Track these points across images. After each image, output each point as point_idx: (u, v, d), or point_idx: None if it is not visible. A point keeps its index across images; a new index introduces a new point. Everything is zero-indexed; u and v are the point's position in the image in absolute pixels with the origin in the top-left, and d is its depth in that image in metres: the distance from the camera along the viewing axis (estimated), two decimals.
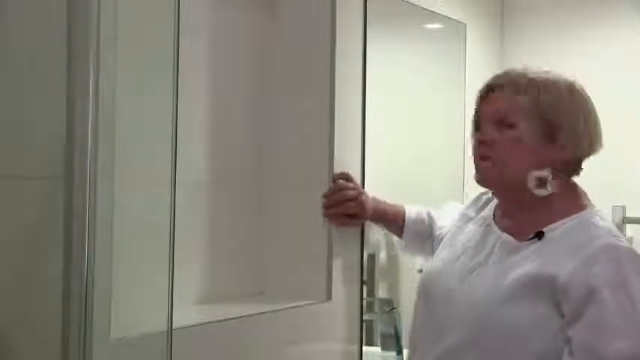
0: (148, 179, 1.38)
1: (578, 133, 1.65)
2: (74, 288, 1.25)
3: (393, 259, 2.76)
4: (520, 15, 3.36)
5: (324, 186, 1.92)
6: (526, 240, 1.63)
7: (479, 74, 3.07)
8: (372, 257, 2.71)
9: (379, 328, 2.61)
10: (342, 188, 1.91)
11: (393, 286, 2.87)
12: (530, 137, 1.63)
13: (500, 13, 3.40)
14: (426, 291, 1.75)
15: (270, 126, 2.00)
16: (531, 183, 1.64)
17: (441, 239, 1.86)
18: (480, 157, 1.68)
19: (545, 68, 1.71)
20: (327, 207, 1.92)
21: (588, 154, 1.68)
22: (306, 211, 1.94)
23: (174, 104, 1.35)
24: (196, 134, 1.86)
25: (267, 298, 1.97)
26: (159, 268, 1.35)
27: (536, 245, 1.61)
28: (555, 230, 1.62)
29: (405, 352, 2.42)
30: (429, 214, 1.97)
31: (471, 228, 1.77)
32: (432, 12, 2.94)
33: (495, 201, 1.77)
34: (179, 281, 1.36)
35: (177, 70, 1.35)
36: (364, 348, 2.03)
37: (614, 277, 1.53)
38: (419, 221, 1.96)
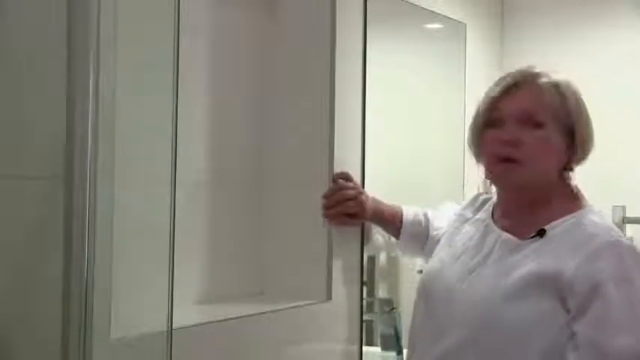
0: (148, 179, 1.38)
1: (587, 135, 1.68)
2: (74, 288, 1.25)
3: (393, 260, 2.76)
4: (520, 15, 3.36)
5: (324, 186, 1.92)
6: (527, 238, 1.63)
7: (479, 74, 3.08)
8: (372, 258, 2.71)
9: (379, 328, 2.61)
10: (342, 188, 1.91)
11: (393, 286, 2.87)
12: (557, 138, 1.65)
13: (500, 13, 3.40)
14: (426, 291, 1.75)
15: (270, 126, 2.00)
16: (572, 187, 1.68)
17: (438, 240, 1.87)
18: (504, 159, 1.65)
19: (550, 68, 1.71)
20: (327, 207, 1.92)
21: (588, 154, 1.70)
22: (306, 211, 1.94)
23: (174, 104, 1.35)
24: (196, 134, 1.86)
25: (267, 298, 1.97)
26: (159, 268, 1.35)
27: (538, 243, 1.62)
28: (556, 228, 1.63)
29: (405, 352, 2.42)
30: (425, 215, 1.97)
31: (469, 228, 1.78)
32: (432, 12, 2.94)
33: (493, 201, 1.78)
34: (179, 281, 1.36)
35: (177, 70, 1.35)
36: (364, 348, 2.03)
37: (617, 272, 1.55)
38: (416, 222, 1.96)
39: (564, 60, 3.08)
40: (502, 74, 1.77)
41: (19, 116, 1.34)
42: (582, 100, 1.69)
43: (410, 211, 1.98)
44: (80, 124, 1.26)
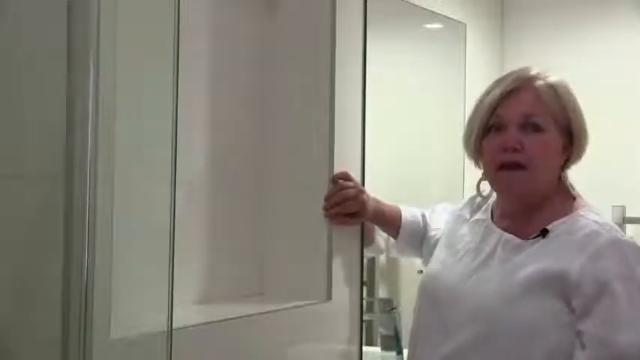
0: (148, 179, 1.38)
1: (583, 133, 1.69)
2: (74, 288, 1.25)
3: (393, 260, 2.76)
4: (520, 15, 3.36)
5: (324, 186, 1.92)
6: (530, 238, 1.64)
7: (479, 74, 3.08)
8: (373, 258, 2.72)
9: (379, 328, 2.61)
10: (342, 188, 1.91)
11: (393, 286, 2.88)
12: (558, 140, 1.66)
13: (500, 13, 3.40)
14: (429, 292, 1.75)
15: (270, 126, 2.00)
16: (568, 186, 1.69)
17: (436, 241, 1.87)
18: (508, 165, 1.65)
19: (545, 67, 1.72)
20: (327, 207, 1.91)
21: (584, 152, 1.71)
22: (306, 211, 1.94)
23: (174, 104, 1.35)
24: (196, 134, 1.86)
25: (267, 298, 1.96)
26: (159, 268, 1.35)
27: (540, 243, 1.62)
28: (558, 228, 1.63)
29: (406, 352, 2.42)
30: (423, 216, 1.97)
31: (469, 229, 1.78)
32: (432, 12, 2.95)
33: (491, 202, 1.78)
34: (179, 281, 1.36)
35: (177, 70, 1.35)
36: (364, 348, 2.03)
37: (622, 269, 1.56)
38: (414, 223, 1.96)
39: (564, 60, 3.09)
40: (502, 74, 1.77)
41: (19, 116, 1.34)
42: (576, 99, 1.70)
43: (408, 212, 1.98)
44: (80, 124, 1.26)
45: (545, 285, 1.57)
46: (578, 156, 1.70)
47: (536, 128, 1.64)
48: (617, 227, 1.68)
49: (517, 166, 1.64)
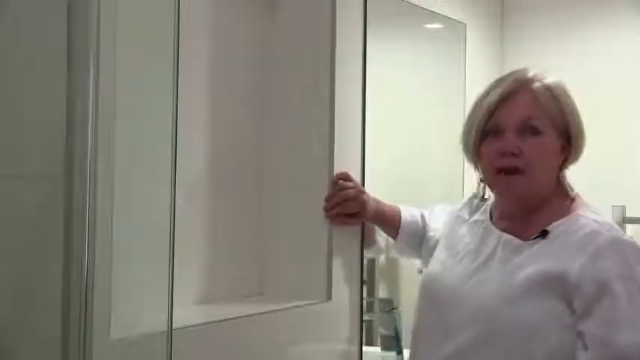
0: (148, 179, 1.38)
1: (580, 133, 1.69)
2: (74, 288, 1.25)
3: (392, 260, 2.76)
4: (520, 15, 3.36)
5: (324, 186, 1.92)
6: (529, 239, 1.64)
7: (479, 74, 3.08)
8: (373, 258, 2.71)
9: (379, 328, 2.61)
10: (343, 188, 1.91)
11: (393, 286, 2.88)
12: (556, 142, 1.66)
13: (500, 13, 3.40)
14: (429, 293, 1.75)
15: (270, 126, 2.00)
16: (566, 186, 1.69)
17: (436, 242, 1.87)
18: (508, 170, 1.65)
19: (543, 68, 1.72)
20: (328, 208, 1.91)
21: (582, 152, 1.71)
22: (306, 211, 1.94)
23: (174, 104, 1.35)
24: (196, 134, 1.86)
25: (267, 298, 1.96)
26: (159, 268, 1.35)
27: (540, 244, 1.63)
28: (557, 228, 1.63)
29: (406, 352, 2.42)
30: (422, 216, 1.97)
31: (468, 230, 1.78)
32: (432, 12, 2.95)
33: (489, 203, 1.78)
34: (179, 281, 1.36)
35: (177, 70, 1.35)
36: (364, 348, 2.03)
37: (622, 269, 1.56)
38: (414, 224, 1.96)
39: (564, 60, 3.09)
40: (502, 74, 1.77)
41: (19, 116, 1.34)
42: (574, 101, 1.70)
43: (408, 212, 1.98)
44: (80, 124, 1.26)
45: (545, 286, 1.57)
46: (576, 156, 1.70)
47: (534, 131, 1.64)
48: (616, 226, 1.69)
49: (516, 171, 1.64)
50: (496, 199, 1.77)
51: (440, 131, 2.97)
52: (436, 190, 2.92)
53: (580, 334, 1.54)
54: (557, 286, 1.56)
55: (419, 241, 1.95)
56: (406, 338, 2.37)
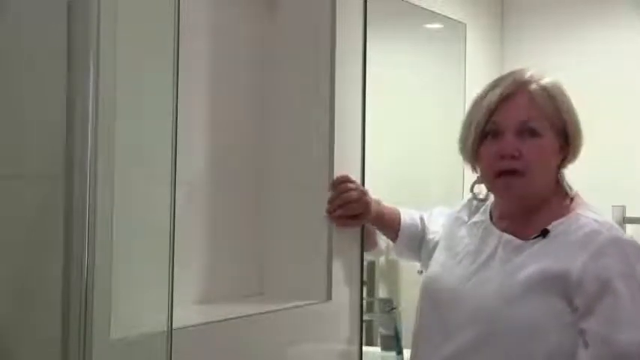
0: (148, 179, 1.38)
1: (578, 133, 1.70)
2: (74, 288, 1.25)
3: (392, 260, 2.76)
4: (520, 15, 3.36)
5: (324, 186, 1.92)
6: (530, 239, 1.64)
7: (479, 74, 3.08)
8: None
9: (379, 328, 2.61)
10: (345, 190, 1.91)
11: (393, 286, 2.88)
12: (554, 143, 1.66)
13: (500, 12, 3.40)
14: (430, 294, 1.75)
15: (270, 126, 2.00)
16: (565, 186, 1.70)
17: (435, 244, 1.87)
18: (507, 172, 1.65)
19: (541, 68, 1.72)
20: (331, 210, 1.91)
21: (580, 151, 1.72)
22: (306, 211, 1.94)
23: (174, 104, 1.35)
24: (196, 134, 1.86)
25: (267, 298, 1.96)
26: (159, 268, 1.35)
27: (541, 243, 1.63)
28: (558, 227, 1.64)
29: (406, 352, 2.42)
30: (421, 219, 1.97)
31: (468, 231, 1.78)
32: (432, 12, 2.95)
33: (489, 204, 1.78)
34: (179, 281, 1.36)
35: (177, 70, 1.35)
36: (364, 348, 2.03)
37: (623, 268, 1.57)
38: (413, 226, 1.96)
39: (564, 60, 3.09)
40: (502, 74, 1.77)
41: (19, 116, 1.34)
42: (571, 101, 1.71)
43: (407, 215, 1.98)
44: (80, 124, 1.26)
45: (546, 285, 1.57)
46: (574, 155, 1.71)
47: (533, 133, 1.65)
48: (616, 225, 1.69)
49: (515, 173, 1.65)
50: (496, 200, 1.77)
51: (440, 131, 2.97)
52: (436, 191, 2.92)
53: (581, 332, 1.55)
54: (558, 284, 1.56)
55: (418, 243, 1.95)
56: (406, 338, 2.37)
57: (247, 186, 1.99)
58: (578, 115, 1.70)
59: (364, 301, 2.11)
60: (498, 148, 1.65)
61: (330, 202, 1.90)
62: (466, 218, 1.81)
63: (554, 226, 1.64)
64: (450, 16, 3.05)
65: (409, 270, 2.61)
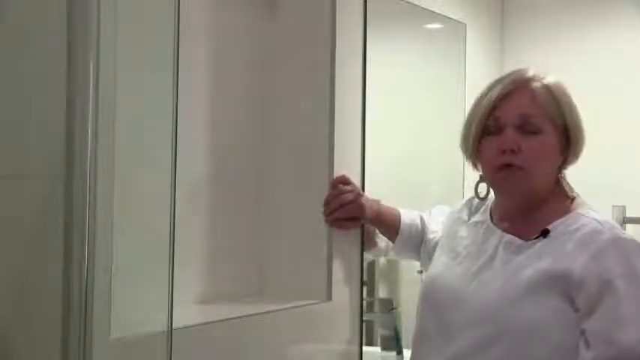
0: (148, 179, 1.38)
1: (580, 134, 1.70)
2: (74, 288, 1.25)
3: (392, 260, 2.76)
4: (520, 15, 3.36)
5: (324, 186, 1.92)
6: (531, 239, 1.64)
7: (479, 74, 3.08)
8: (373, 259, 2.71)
9: (379, 328, 2.61)
10: (340, 193, 1.90)
11: (393, 286, 2.88)
12: (555, 141, 1.66)
13: (500, 12, 3.40)
14: (431, 295, 1.75)
15: (270, 126, 2.00)
16: (564, 186, 1.69)
17: (435, 243, 1.87)
18: (507, 166, 1.66)
19: (544, 69, 1.72)
20: (326, 213, 1.91)
21: (581, 153, 1.71)
22: (306, 211, 1.94)
23: (174, 104, 1.35)
24: (196, 134, 1.86)
25: (267, 298, 1.96)
26: (159, 268, 1.35)
27: (542, 243, 1.63)
28: (558, 227, 1.64)
29: (406, 352, 2.42)
30: (421, 219, 1.97)
31: (468, 231, 1.78)
32: (432, 12, 2.95)
33: (489, 204, 1.78)
34: (179, 281, 1.36)
35: (178, 70, 1.35)
36: (364, 348, 2.03)
37: (624, 267, 1.57)
38: (413, 226, 1.96)
39: (564, 60, 3.09)
40: (502, 74, 1.77)
41: (19, 116, 1.34)
42: (573, 101, 1.71)
43: (407, 215, 1.98)
44: (80, 124, 1.26)
45: (548, 285, 1.57)
46: (576, 156, 1.71)
47: (533, 130, 1.65)
48: (617, 225, 1.69)
49: (514, 167, 1.65)
50: (496, 200, 1.77)
51: (440, 131, 2.97)
52: (436, 190, 2.92)
53: (583, 333, 1.55)
54: (559, 284, 1.57)
55: (418, 243, 1.95)
56: (406, 338, 2.37)
57: (247, 186, 1.99)
58: (580, 116, 1.70)
59: (364, 301, 2.10)
60: (498, 143, 1.66)
61: (326, 204, 1.90)
62: (466, 218, 1.81)
63: (555, 226, 1.64)
64: (450, 16, 3.05)
65: (409, 270, 2.62)
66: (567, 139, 1.68)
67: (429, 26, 3.10)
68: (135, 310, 1.34)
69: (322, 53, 1.94)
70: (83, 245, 1.25)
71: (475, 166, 1.75)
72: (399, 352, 2.52)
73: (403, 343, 2.50)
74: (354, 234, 1.98)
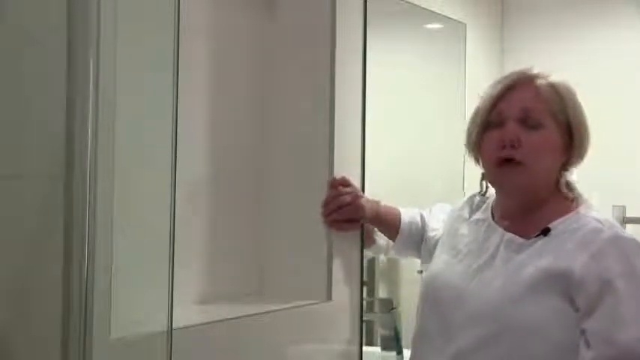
0: (148, 179, 1.38)
1: (585, 135, 1.70)
2: (74, 288, 1.25)
3: (393, 260, 2.76)
4: (520, 15, 3.37)
5: (324, 186, 1.92)
6: (532, 237, 1.64)
7: (479, 74, 3.09)
8: (373, 258, 2.71)
9: (379, 328, 2.61)
10: (339, 194, 1.90)
11: (393, 286, 2.88)
12: (556, 138, 1.66)
13: (500, 12, 3.40)
14: (432, 293, 1.75)
15: (270, 126, 2.00)
16: (563, 186, 1.68)
17: (436, 242, 1.87)
18: (505, 160, 1.66)
19: (548, 69, 1.72)
20: (325, 214, 1.91)
21: (586, 154, 1.71)
22: (306, 211, 1.94)
23: (174, 104, 1.35)
24: (196, 134, 1.86)
25: (267, 298, 1.96)
26: (159, 268, 1.35)
27: (543, 242, 1.63)
28: (559, 226, 1.64)
29: (406, 352, 2.42)
30: (421, 217, 1.97)
31: (469, 229, 1.78)
32: (432, 12, 2.95)
33: (490, 202, 1.78)
34: (179, 281, 1.36)
35: (178, 70, 1.35)
36: (364, 348, 2.03)
37: (624, 267, 1.57)
38: (413, 225, 1.96)
39: (564, 60, 3.09)
40: (502, 74, 1.78)
41: (19, 116, 1.34)
42: (579, 101, 1.71)
43: (407, 214, 1.98)
44: (80, 124, 1.26)
45: (549, 283, 1.57)
46: (580, 157, 1.70)
47: (535, 124, 1.65)
48: (618, 224, 1.69)
49: (515, 162, 1.65)
50: (497, 198, 1.77)
51: (440, 131, 2.97)
52: (436, 190, 2.92)
53: (583, 332, 1.55)
54: (560, 283, 1.57)
55: (418, 241, 1.95)
56: (406, 338, 2.37)
57: (247, 186, 1.99)
58: (585, 116, 1.70)
59: (364, 301, 2.10)
60: (499, 136, 1.66)
61: (324, 206, 1.90)
62: (467, 215, 1.81)
63: (556, 225, 1.64)
64: (450, 16, 3.06)
65: (409, 270, 2.62)
66: (570, 138, 1.68)
67: (429, 26, 3.10)
68: (135, 310, 1.35)
69: (322, 53, 1.94)
70: (83, 245, 1.25)
71: (477, 160, 1.75)
72: (399, 352, 2.52)
73: (403, 343, 2.51)
74: (354, 234, 1.98)
